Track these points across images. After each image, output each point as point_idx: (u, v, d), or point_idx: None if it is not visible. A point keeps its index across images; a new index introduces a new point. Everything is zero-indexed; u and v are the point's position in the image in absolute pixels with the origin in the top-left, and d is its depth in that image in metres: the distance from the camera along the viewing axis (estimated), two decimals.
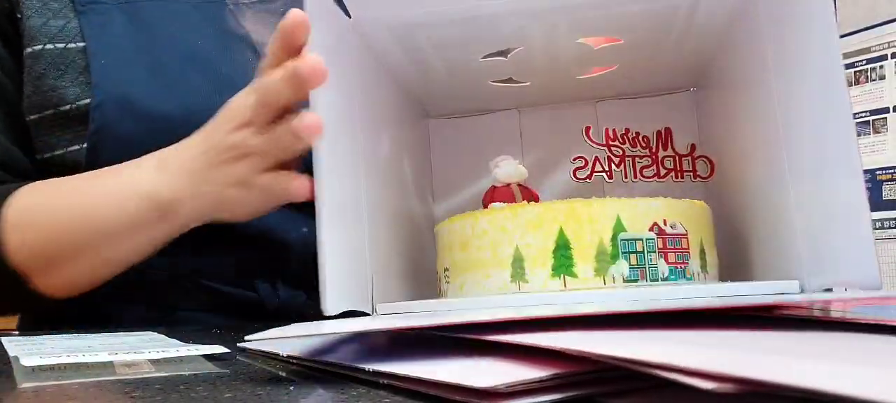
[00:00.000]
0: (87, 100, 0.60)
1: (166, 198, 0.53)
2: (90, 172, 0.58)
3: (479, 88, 0.67)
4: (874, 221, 2.07)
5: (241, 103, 0.51)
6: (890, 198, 2.16)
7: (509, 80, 0.66)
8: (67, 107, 0.61)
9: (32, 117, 0.63)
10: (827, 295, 0.43)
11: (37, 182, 0.59)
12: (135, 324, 0.59)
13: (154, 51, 0.63)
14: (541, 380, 0.23)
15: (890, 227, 2.16)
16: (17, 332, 0.58)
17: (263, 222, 0.60)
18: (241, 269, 0.65)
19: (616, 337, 0.28)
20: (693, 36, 0.59)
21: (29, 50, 0.62)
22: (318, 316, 0.43)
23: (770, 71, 0.49)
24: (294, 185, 0.50)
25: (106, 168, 0.57)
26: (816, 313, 0.39)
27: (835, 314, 0.38)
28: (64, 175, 0.60)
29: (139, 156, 0.56)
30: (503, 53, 0.61)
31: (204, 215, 0.54)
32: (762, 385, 0.18)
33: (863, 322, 0.34)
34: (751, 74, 0.53)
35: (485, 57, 0.61)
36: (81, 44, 0.62)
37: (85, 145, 0.61)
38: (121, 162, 0.56)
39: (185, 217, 0.54)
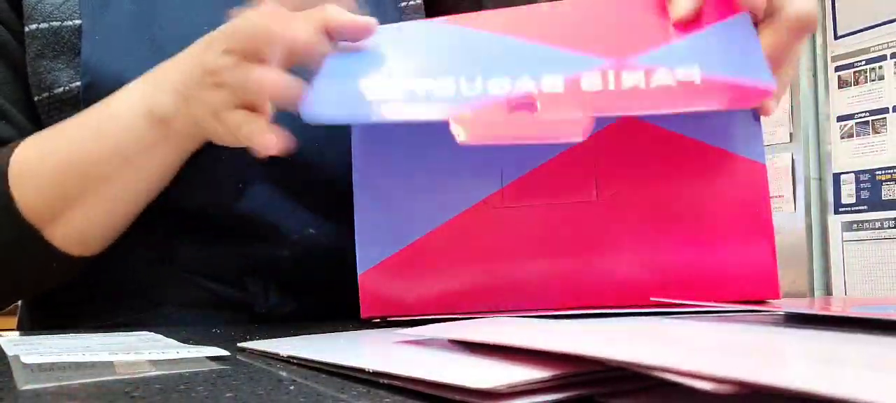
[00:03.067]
0: (78, 84, 0.58)
1: (160, 113, 0.51)
2: (84, 111, 0.55)
3: None
4: (874, 221, 2.07)
5: (241, 27, 0.48)
6: (890, 198, 2.17)
7: None
8: (60, 89, 0.59)
9: (33, 100, 0.60)
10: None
11: (37, 132, 0.57)
12: (116, 324, 0.57)
13: (154, 29, 0.60)
14: (541, 381, 0.23)
15: (890, 227, 2.16)
16: (17, 332, 0.58)
17: (267, 214, 0.59)
18: (232, 262, 0.61)
19: (617, 339, 0.28)
20: None
21: (27, 29, 0.59)
22: (310, 323, 0.42)
23: None
24: (261, 138, 0.46)
25: (98, 103, 0.55)
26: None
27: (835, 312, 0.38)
28: None
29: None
30: None
31: (196, 134, 0.52)
32: (761, 387, 0.18)
33: (863, 318, 0.34)
34: None
35: None
36: (78, 22, 0.59)
37: None
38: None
39: (179, 133, 0.52)
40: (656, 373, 0.20)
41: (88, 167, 0.54)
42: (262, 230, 0.60)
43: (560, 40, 0.47)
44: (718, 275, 0.46)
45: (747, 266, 0.46)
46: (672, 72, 0.43)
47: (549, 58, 0.46)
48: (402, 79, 0.46)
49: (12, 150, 0.56)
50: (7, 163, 0.55)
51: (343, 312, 0.62)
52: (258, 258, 0.61)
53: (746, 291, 0.46)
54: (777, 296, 0.45)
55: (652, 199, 0.47)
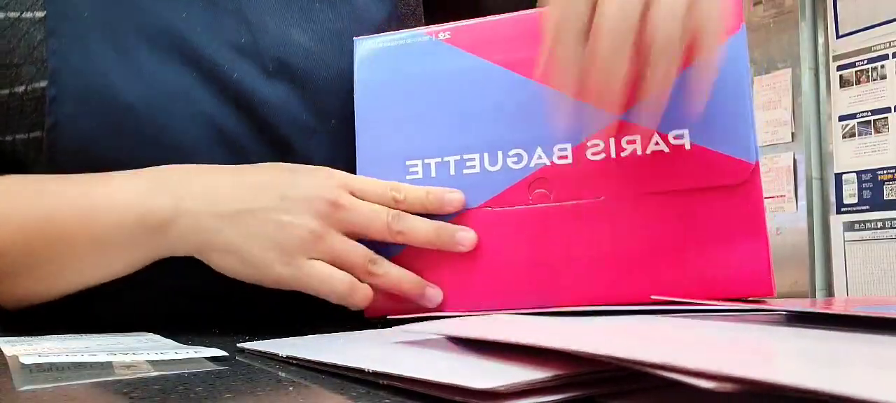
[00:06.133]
0: (43, 84, 0.51)
1: (160, 218, 0.48)
2: (70, 177, 0.51)
3: None
4: (874, 221, 2.08)
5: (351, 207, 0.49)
6: (890, 198, 2.16)
7: None
8: (21, 88, 0.52)
9: None
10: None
11: (12, 175, 0.52)
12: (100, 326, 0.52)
13: (123, 27, 0.53)
14: (541, 381, 0.23)
15: (892, 227, 2.16)
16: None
17: None
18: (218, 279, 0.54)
19: (617, 337, 0.28)
20: None
21: None
22: (310, 323, 0.42)
23: None
24: (366, 295, 0.49)
25: (86, 176, 0.50)
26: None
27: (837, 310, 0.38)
28: (17, 163, 0.53)
29: (104, 153, 0.50)
30: None
31: (192, 251, 0.49)
32: (762, 385, 0.18)
33: (864, 317, 0.34)
34: None
35: None
36: (40, 14, 0.52)
37: (39, 133, 0.52)
38: (84, 158, 0.50)
39: (173, 238, 0.48)
40: (657, 372, 0.20)
41: (58, 238, 0.49)
42: None
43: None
44: (712, 274, 0.46)
45: (741, 264, 0.46)
46: (665, 138, 0.47)
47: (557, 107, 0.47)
48: (434, 155, 0.51)
49: None
50: None
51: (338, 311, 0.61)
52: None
53: (741, 289, 0.46)
54: (772, 294, 0.45)
55: (646, 199, 0.47)
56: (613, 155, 0.48)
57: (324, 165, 0.52)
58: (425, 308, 0.50)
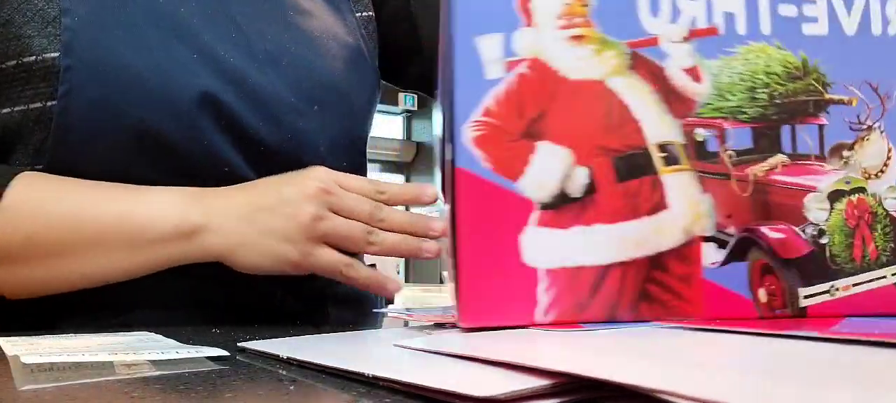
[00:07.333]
0: (54, 55, 0.55)
1: (195, 223, 0.54)
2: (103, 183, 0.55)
3: None
4: None
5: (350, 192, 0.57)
6: None
7: None
8: (31, 58, 0.55)
9: None
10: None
11: (39, 174, 0.55)
12: (81, 325, 0.54)
13: (131, 9, 0.58)
14: (541, 388, 0.23)
15: None
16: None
17: None
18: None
19: (617, 355, 0.28)
20: None
21: None
22: (315, 320, 0.42)
23: None
24: (395, 286, 0.59)
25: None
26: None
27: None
28: (23, 133, 0.56)
29: (113, 120, 0.54)
30: None
31: (223, 255, 0.55)
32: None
33: (855, 338, 0.33)
34: None
35: None
36: None
37: (48, 104, 0.55)
38: (92, 124, 0.54)
39: (203, 247, 0.54)
40: (659, 395, 0.20)
41: (91, 234, 0.53)
42: None
43: None
44: None
45: None
46: None
47: None
48: None
49: (15, 173, 0.54)
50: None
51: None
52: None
53: None
54: None
55: None
56: None
57: (310, 141, 0.62)
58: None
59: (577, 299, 0.41)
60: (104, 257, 0.54)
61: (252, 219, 0.55)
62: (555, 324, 0.41)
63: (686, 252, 0.42)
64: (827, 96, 0.43)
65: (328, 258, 0.55)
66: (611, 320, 0.41)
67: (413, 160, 12.62)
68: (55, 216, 0.53)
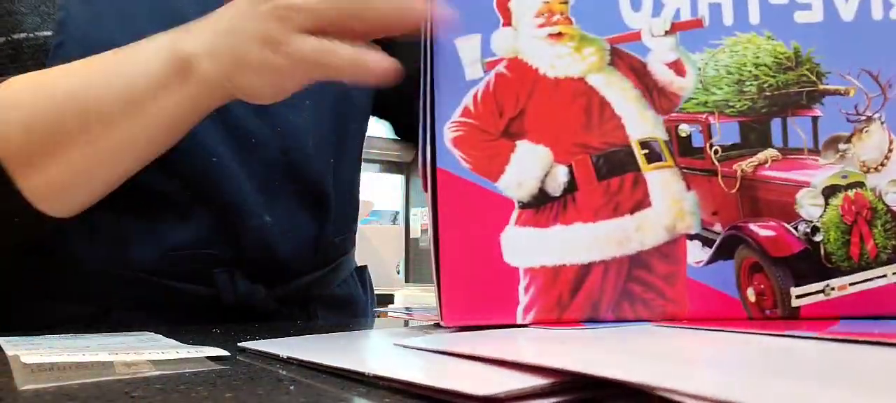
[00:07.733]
0: (47, 33, 0.54)
1: (186, 52, 0.47)
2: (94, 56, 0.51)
3: None
4: None
5: None
6: None
7: None
8: (22, 35, 0.54)
9: None
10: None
11: (29, 73, 0.52)
12: (64, 325, 0.54)
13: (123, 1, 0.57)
14: (541, 387, 0.23)
15: None
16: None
17: (222, 201, 0.57)
18: (196, 260, 0.58)
19: (617, 354, 0.28)
20: None
21: None
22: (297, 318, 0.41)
23: None
24: (377, 62, 0.42)
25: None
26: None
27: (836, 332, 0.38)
28: None
29: None
30: None
31: (222, 78, 0.47)
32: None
33: (854, 338, 0.34)
34: None
35: None
36: None
37: None
38: None
39: (201, 78, 0.47)
40: (660, 393, 0.20)
41: (90, 104, 0.49)
42: (219, 218, 0.58)
43: None
44: None
45: None
46: None
47: None
48: None
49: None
50: None
51: (319, 302, 0.64)
52: (219, 247, 0.59)
53: None
54: None
55: None
56: None
57: (299, 136, 0.60)
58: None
59: (558, 298, 0.42)
60: (111, 129, 0.49)
61: (232, 30, 0.47)
62: (553, 323, 0.41)
63: (670, 250, 0.42)
64: (821, 87, 0.42)
65: (311, 45, 0.44)
66: (592, 319, 0.41)
67: (413, 160, 12.58)
68: (45, 100, 0.50)
